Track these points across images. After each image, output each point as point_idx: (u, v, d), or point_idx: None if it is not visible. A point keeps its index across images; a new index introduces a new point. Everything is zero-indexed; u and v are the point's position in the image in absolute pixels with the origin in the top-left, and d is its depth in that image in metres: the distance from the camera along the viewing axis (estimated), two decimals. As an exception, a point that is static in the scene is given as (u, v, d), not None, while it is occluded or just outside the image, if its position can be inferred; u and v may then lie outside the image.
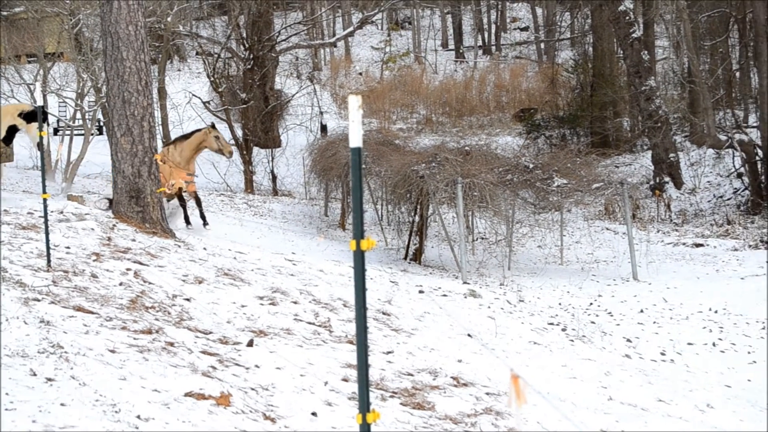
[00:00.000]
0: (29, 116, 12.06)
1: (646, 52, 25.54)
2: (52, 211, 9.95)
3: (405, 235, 16.06)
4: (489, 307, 10.76)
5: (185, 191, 14.30)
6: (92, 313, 6.20)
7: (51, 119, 24.13)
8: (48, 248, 7.46)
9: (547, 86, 38.17)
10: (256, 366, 5.78)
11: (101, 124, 24.52)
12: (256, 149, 26.28)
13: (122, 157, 10.84)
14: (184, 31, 29.90)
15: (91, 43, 19.50)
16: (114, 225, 10.25)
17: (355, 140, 3.20)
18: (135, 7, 10.84)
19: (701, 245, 17.70)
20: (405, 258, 15.66)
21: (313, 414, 5.05)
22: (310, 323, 7.58)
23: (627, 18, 25.05)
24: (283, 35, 29.36)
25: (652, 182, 24.68)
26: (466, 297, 11.26)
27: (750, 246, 17.14)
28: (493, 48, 51.05)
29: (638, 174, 25.99)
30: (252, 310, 7.61)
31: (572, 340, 9.32)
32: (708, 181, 24.31)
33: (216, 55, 26.43)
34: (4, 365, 4.65)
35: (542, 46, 48.26)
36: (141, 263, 8.47)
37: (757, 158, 21.64)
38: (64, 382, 4.62)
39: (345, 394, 5.52)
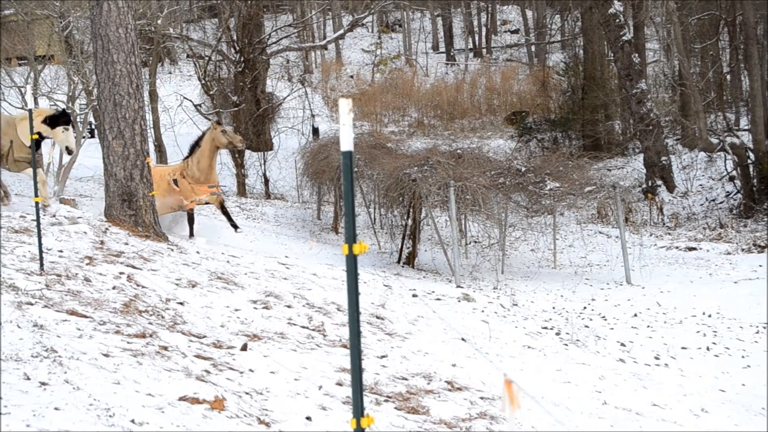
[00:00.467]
0: (53, 121, 11.90)
1: (636, 54, 25.58)
2: (44, 215, 9.92)
3: (398, 239, 16.05)
4: (483, 311, 10.75)
5: (211, 203, 14.13)
6: (86, 317, 6.17)
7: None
8: (41, 252, 7.42)
9: (538, 89, 38.16)
10: (250, 370, 5.76)
11: (93, 127, 24.42)
12: (248, 152, 26.20)
13: (114, 160, 10.78)
14: (175, 34, 29.77)
15: (81, 46, 19.41)
16: (106, 228, 10.21)
17: (346, 144, 3.18)
18: (125, 9, 10.78)
19: (694, 249, 17.73)
20: (398, 262, 15.66)
21: (308, 418, 5.03)
22: (303, 327, 7.56)
23: (617, 21, 25.10)
24: (274, 38, 29.33)
25: (644, 185, 24.69)
26: (459, 301, 11.25)
27: (743, 249, 17.17)
28: (484, 51, 51.09)
29: (630, 177, 26.06)
30: (246, 314, 7.58)
31: (566, 345, 9.31)
32: (700, 185, 24.33)
33: (207, 58, 26.35)
34: (-3, 370, 4.63)
35: (533, 48, 48.31)
36: (134, 267, 8.43)
37: (749, 161, 21.68)
38: (57, 387, 4.59)
39: (339, 399, 5.50)
